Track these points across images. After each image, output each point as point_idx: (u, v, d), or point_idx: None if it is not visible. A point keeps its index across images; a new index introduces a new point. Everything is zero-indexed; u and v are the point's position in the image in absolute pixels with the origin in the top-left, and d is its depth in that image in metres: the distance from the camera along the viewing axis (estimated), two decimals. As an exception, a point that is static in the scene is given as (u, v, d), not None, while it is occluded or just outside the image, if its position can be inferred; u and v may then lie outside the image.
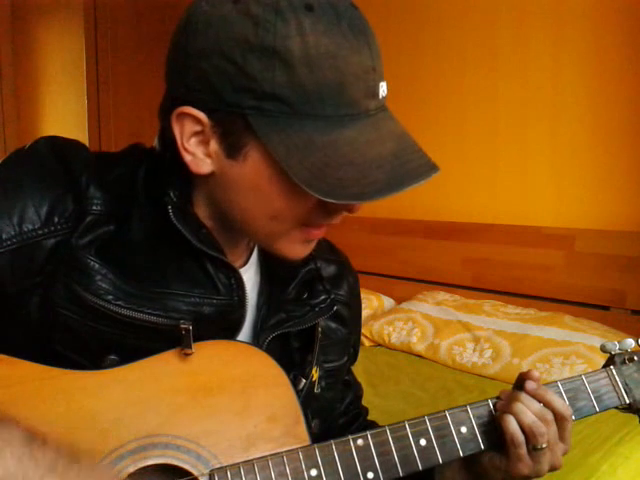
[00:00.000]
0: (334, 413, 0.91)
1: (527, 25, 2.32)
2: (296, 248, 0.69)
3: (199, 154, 0.64)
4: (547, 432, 0.72)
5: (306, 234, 0.68)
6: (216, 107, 0.61)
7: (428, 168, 0.61)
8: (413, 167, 0.61)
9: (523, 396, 0.74)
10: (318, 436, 0.73)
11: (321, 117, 0.59)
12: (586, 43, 2.17)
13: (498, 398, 0.76)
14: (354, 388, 0.97)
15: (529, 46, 2.31)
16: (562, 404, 0.74)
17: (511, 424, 0.72)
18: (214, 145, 0.63)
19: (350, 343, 0.92)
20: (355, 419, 0.95)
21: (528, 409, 0.72)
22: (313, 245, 0.72)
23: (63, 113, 3.37)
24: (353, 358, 0.95)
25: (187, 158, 0.64)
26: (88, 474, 0.54)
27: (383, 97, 0.64)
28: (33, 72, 3.30)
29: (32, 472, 0.51)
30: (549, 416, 0.73)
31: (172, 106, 0.63)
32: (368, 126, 0.61)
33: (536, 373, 0.77)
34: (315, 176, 0.58)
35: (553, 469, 0.74)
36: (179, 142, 0.64)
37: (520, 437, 0.71)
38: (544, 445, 0.71)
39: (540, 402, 0.73)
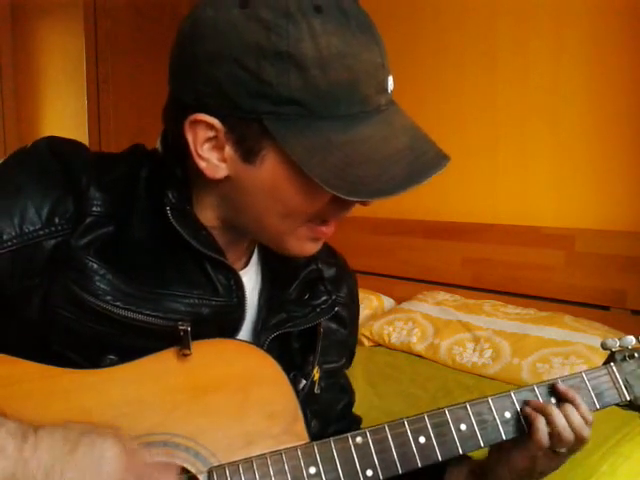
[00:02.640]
0: (332, 415, 0.91)
1: (527, 26, 2.31)
2: (305, 246, 0.70)
3: (213, 160, 0.64)
4: (570, 439, 0.74)
5: (314, 231, 0.68)
6: (230, 112, 0.61)
7: (441, 158, 0.62)
8: (428, 159, 0.62)
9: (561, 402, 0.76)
10: (316, 438, 0.73)
11: (337, 117, 0.60)
12: (586, 44, 2.17)
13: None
14: (349, 393, 0.97)
15: (529, 46, 2.31)
16: (585, 412, 0.76)
17: (541, 425, 0.73)
18: (229, 150, 0.63)
19: (349, 345, 0.92)
20: (349, 428, 0.93)
21: (562, 414, 0.75)
22: (321, 243, 0.72)
23: (63, 113, 3.37)
24: (349, 361, 0.95)
25: (202, 165, 0.64)
26: (90, 461, 0.54)
27: (391, 91, 0.65)
28: (33, 72, 3.30)
29: None
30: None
31: (183, 113, 0.63)
32: (381, 122, 0.62)
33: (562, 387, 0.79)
34: (336, 176, 0.59)
35: (554, 469, 0.78)
36: (193, 149, 0.64)
37: (547, 441, 0.73)
38: (564, 450, 0.75)
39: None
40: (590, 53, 2.16)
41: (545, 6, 2.26)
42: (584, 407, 0.76)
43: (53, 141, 0.69)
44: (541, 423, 0.73)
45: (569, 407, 0.75)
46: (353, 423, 0.96)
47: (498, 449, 0.80)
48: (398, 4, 2.73)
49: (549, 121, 2.28)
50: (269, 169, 0.63)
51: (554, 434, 0.73)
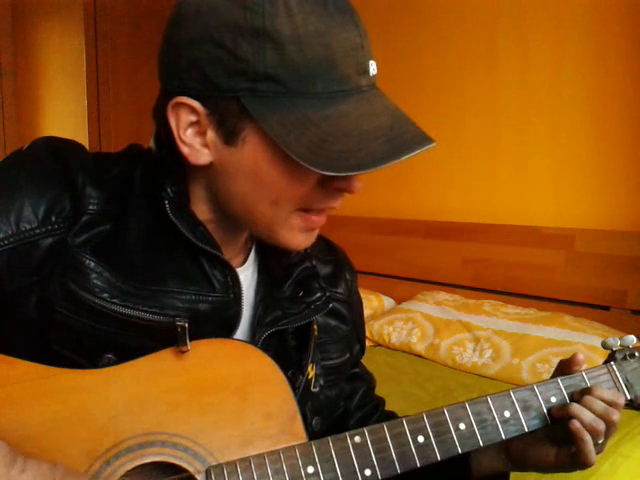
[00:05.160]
0: (338, 411, 0.91)
1: (527, 26, 2.31)
2: (298, 237, 0.69)
3: (196, 145, 0.64)
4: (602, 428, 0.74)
5: (306, 221, 0.68)
6: (210, 94, 0.61)
7: (423, 139, 0.61)
8: (409, 137, 0.61)
9: (588, 399, 0.75)
10: (321, 434, 0.73)
11: (314, 94, 0.60)
12: (586, 44, 2.17)
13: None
14: (366, 379, 0.97)
15: (529, 46, 2.31)
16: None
17: (587, 437, 0.73)
18: (211, 134, 0.63)
19: (353, 339, 0.92)
20: (372, 413, 0.95)
21: (591, 411, 0.74)
22: (315, 235, 0.72)
23: (63, 113, 3.37)
24: (361, 352, 0.96)
25: (184, 150, 0.64)
26: None
27: (373, 75, 0.64)
28: (33, 72, 3.30)
29: None
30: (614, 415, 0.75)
31: (167, 99, 0.64)
32: (361, 101, 0.62)
33: (580, 357, 0.79)
34: (313, 151, 0.59)
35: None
36: (175, 134, 0.64)
37: (589, 438, 0.73)
38: (601, 441, 0.75)
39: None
40: (590, 53, 2.16)
41: (545, 6, 2.26)
42: (606, 392, 0.76)
43: (50, 141, 0.69)
44: (587, 436, 0.73)
45: (588, 398, 0.75)
46: (376, 408, 0.96)
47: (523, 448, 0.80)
48: (399, 4, 2.73)
49: (549, 121, 2.28)
50: (251, 150, 0.63)
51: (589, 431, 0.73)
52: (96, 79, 3.30)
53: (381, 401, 0.99)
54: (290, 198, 0.65)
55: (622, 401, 0.77)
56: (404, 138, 0.61)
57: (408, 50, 2.68)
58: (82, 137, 3.25)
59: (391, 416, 0.96)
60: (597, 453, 0.76)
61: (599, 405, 0.75)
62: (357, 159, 0.59)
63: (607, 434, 0.76)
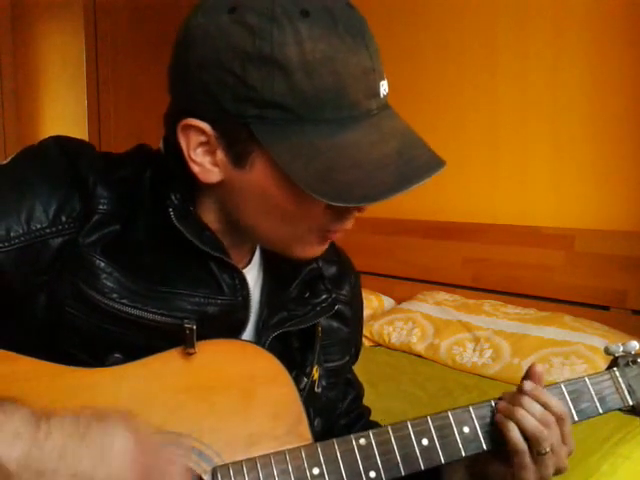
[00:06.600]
0: (336, 412, 0.91)
1: (527, 26, 2.32)
2: (312, 249, 0.71)
3: (206, 164, 0.65)
4: (550, 436, 0.71)
5: (322, 238, 0.70)
6: (219, 117, 0.62)
7: (434, 164, 0.61)
8: (418, 165, 0.61)
9: (524, 399, 0.72)
10: (320, 436, 0.73)
11: (323, 121, 0.60)
12: (586, 43, 2.17)
13: (500, 399, 0.75)
14: (356, 386, 0.97)
15: (529, 46, 2.32)
16: (558, 404, 0.73)
17: (513, 432, 0.70)
18: (220, 155, 0.64)
19: (352, 342, 0.92)
20: (357, 420, 0.95)
21: (529, 413, 0.71)
22: (327, 245, 0.73)
23: (63, 113, 3.37)
24: (354, 357, 0.95)
25: (195, 169, 0.65)
26: (100, 449, 0.53)
27: (384, 96, 0.64)
28: (33, 72, 3.30)
29: (43, 465, 0.50)
30: (550, 419, 0.71)
31: (177, 118, 0.64)
32: (371, 126, 0.62)
33: (539, 368, 0.76)
34: (320, 180, 0.59)
35: (558, 472, 0.73)
36: (186, 154, 0.64)
37: (523, 445, 0.70)
38: (547, 449, 0.70)
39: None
40: (590, 53, 2.17)
41: (545, 6, 2.27)
42: (544, 394, 0.73)
43: (61, 140, 0.70)
44: (512, 428, 0.70)
45: (525, 399, 0.72)
46: (362, 416, 0.96)
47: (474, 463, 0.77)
48: (399, 5, 2.73)
49: (549, 121, 2.29)
50: (259, 173, 0.63)
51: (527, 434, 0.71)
52: (96, 79, 3.30)
53: (367, 410, 0.98)
54: (300, 220, 0.66)
55: (560, 409, 0.72)
56: (413, 165, 0.61)
57: (408, 50, 2.68)
58: (82, 137, 3.24)
59: (375, 426, 0.96)
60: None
61: (547, 414, 0.71)
62: (365, 190, 0.59)
63: (556, 447, 0.71)
